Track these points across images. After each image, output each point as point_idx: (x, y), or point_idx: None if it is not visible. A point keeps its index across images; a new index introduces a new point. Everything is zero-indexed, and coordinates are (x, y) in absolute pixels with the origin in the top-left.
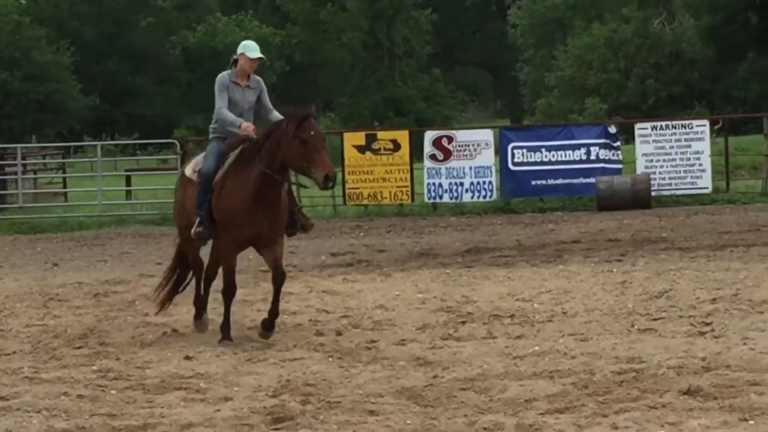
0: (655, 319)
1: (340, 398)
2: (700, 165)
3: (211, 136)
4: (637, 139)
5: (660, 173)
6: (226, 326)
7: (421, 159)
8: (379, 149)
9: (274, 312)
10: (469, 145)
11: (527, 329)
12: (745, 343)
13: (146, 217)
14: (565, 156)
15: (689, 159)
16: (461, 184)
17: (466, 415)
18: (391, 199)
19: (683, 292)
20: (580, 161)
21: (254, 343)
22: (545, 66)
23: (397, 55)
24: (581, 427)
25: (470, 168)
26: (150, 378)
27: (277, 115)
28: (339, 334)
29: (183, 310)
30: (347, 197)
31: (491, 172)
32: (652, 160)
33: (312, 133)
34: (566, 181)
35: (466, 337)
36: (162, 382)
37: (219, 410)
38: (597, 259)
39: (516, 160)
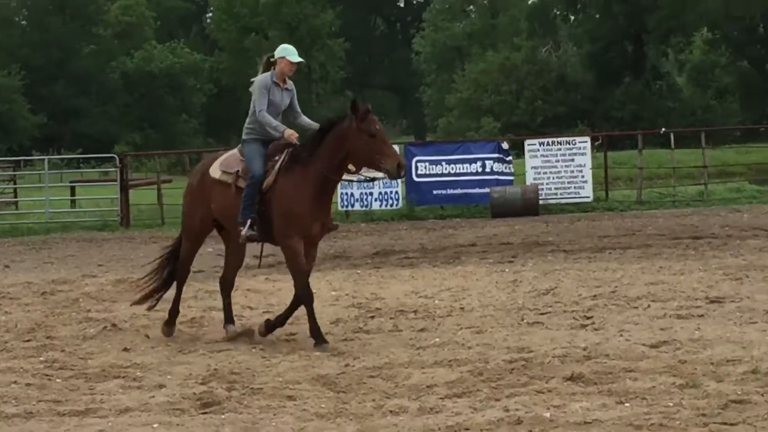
0: (542, 314)
1: (262, 385)
2: (582, 177)
3: (248, 136)
4: (527, 154)
5: (547, 184)
6: (316, 331)
7: None
8: None
9: (284, 318)
10: None
11: (429, 323)
12: (621, 335)
13: (89, 224)
14: (463, 169)
15: (573, 171)
16: (371, 194)
17: (374, 400)
18: None
19: (567, 289)
20: (477, 173)
21: (185, 336)
22: (446, 89)
23: (314, 79)
24: (476, 410)
25: (378, 181)
26: (92, 368)
27: (305, 120)
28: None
29: (121, 306)
30: None
31: (397, 183)
32: (540, 173)
33: (377, 126)
34: (464, 191)
35: (374, 330)
36: (102, 371)
37: (153, 396)
38: (491, 260)
39: (419, 172)
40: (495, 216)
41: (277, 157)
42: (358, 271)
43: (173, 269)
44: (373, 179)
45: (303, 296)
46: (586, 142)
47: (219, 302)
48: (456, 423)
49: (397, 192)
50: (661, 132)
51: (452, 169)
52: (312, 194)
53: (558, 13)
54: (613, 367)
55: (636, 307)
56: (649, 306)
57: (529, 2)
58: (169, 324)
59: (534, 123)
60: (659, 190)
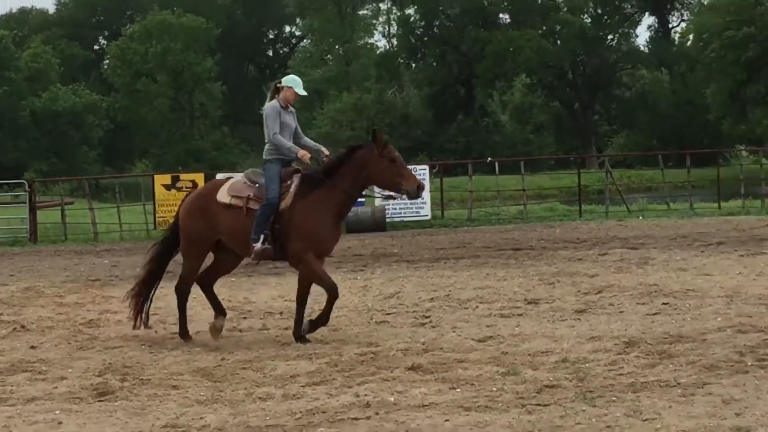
0: (388, 314)
1: (150, 376)
2: (422, 199)
3: (271, 156)
4: None
5: (393, 205)
6: (326, 319)
7: None
8: (182, 187)
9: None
10: None
11: (292, 322)
12: (454, 331)
13: (2, 240)
14: None
15: None
16: None
17: (245, 388)
18: None
19: (409, 293)
20: None
21: (84, 334)
22: (308, 125)
23: (196, 116)
24: (332, 396)
25: None
26: (2, 363)
27: (308, 141)
28: (150, 327)
29: (29, 310)
30: (157, 224)
31: None
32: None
33: (396, 153)
34: None
35: (246, 329)
36: (12, 366)
37: (56, 387)
38: (345, 269)
39: None
40: (349, 232)
41: (289, 182)
42: (233, 279)
43: (151, 286)
44: (392, 198)
45: (332, 293)
46: (425, 169)
47: (113, 305)
48: (314, 407)
49: None
50: (488, 161)
51: None
52: (333, 215)
53: (402, 61)
54: (447, 358)
55: (466, 308)
56: (477, 307)
57: (377, 52)
58: (184, 334)
59: None
60: (486, 210)
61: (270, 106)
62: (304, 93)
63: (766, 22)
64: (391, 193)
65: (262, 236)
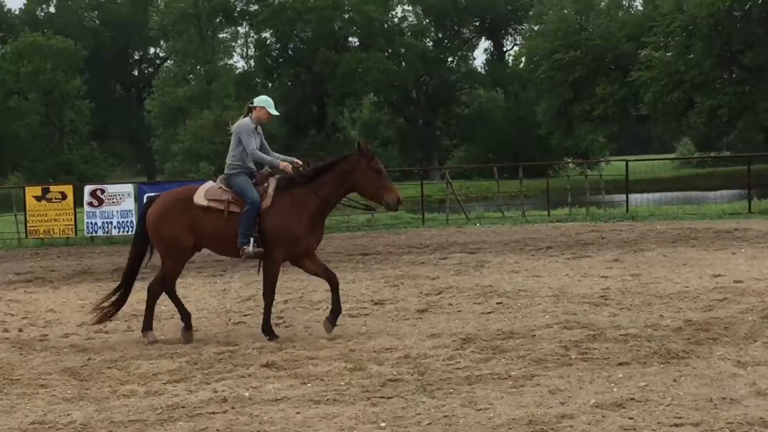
0: (245, 315)
1: (20, 376)
2: None
3: (234, 170)
4: None
5: None
6: (267, 325)
7: (82, 205)
8: (52, 198)
9: (337, 309)
10: (116, 195)
11: (156, 324)
12: (306, 330)
13: None
14: None
15: None
16: (111, 222)
17: (110, 386)
18: (60, 234)
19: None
20: None
21: None
22: (171, 140)
23: (66, 131)
24: (191, 392)
25: (117, 211)
26: None
27: (278, 155)
28: (20, 330)
29: None
30: (28, 232)
31: (132, 214)
32: None
33: (381, 165)
34: None
35: (112, 330)
36: None
37: None
38: (206, 273)
39: None
40: None
41: (266, 184)
42: (100, 284)
43: (126, 290)
44: (372, 209)
45: (269, 298)
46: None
47: None
48: (174, 402)
49: (131, 221)
50: None
51: None
52: (309, 216)
53: (259, 80)
54: (299, 355)
55: (318, 309)
56: (328, 308)
57: (236, 72)
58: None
59: None
60: (336, 218)
61: (244, 123)
62: (277, 113)
63: (590, 47)
64: (370, 205)
65: (252, 239)
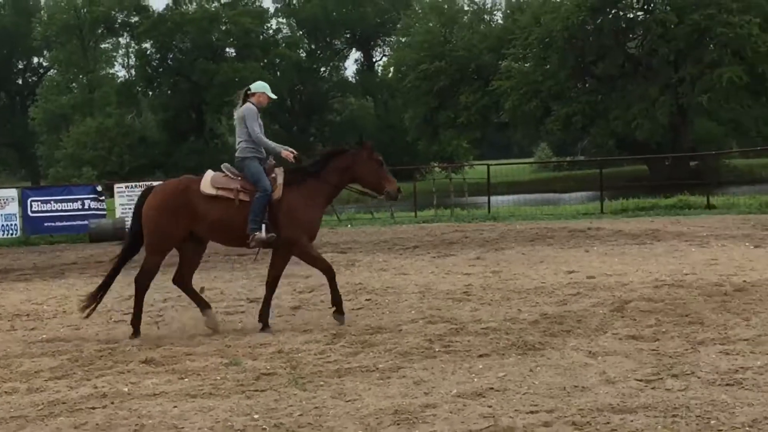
0: (126, 314)
1: None
2: None
3: (249, 154)
4: (116, 195)
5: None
6: (339, 303)
7: None
8: None
9: (337, 299)
10: (0, 200)
11: (38, 323)
12: (184, 328)
13: None
14: (68, 206)
15: None
16: None
17: None
18: None
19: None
20: (79, 210)
21: None
22: (55, 146)
23: None
24: (72, 388)
25: (1, 215)
26: None
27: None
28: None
29: None
30: None
31: (16, 217)
32: (126, 208)
33: (381, 157)
34: (69, 223)
35: None
36: None
37: None
38: (88, 274)
39: (34, 209)
40: (92, 241)
41: (273, 175)
42: None
43: (112, 279)
44: (375, 197)
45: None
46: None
47: None
48: (55, 399)
49: (15, 224)
50: None
51: (59, 206)
52: (322, 204)
53: (140, 89)
54: (177, 352)
55: (196, 307)
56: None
57: (118, 81)
58: (136, 333)
59: (123, 171)
60: None
61: (248, 108)
62: (275, 96)
63: (454, 58)
64: (372, 193)
65: (263, 226)
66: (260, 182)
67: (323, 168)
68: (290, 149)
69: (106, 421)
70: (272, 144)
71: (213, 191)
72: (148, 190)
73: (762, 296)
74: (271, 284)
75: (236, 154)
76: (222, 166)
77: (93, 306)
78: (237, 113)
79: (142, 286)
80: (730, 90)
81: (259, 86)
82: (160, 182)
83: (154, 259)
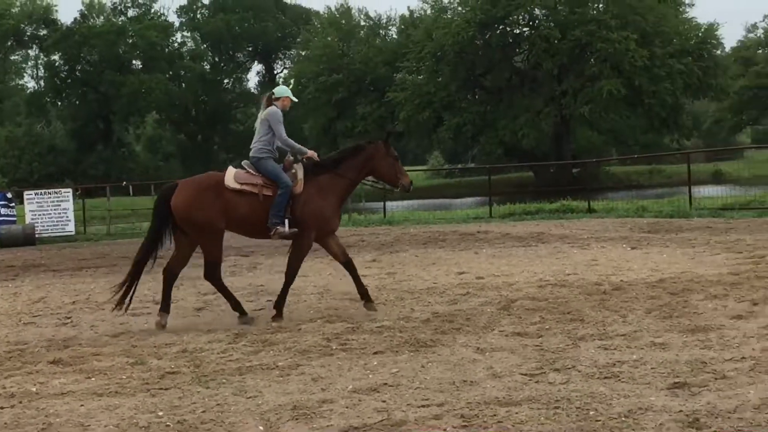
0: (35, 316)
1: None
2: (68, 217)
3: (265, 155)
4: (26, 202)
5: (42, 223)
6: (281, 305)
7: None
8: None
9: (363, 289)
10: None
11: None
12: (92, 329)
13: None
14: None
15: (60, 213)
16: None
17: None
18: None
19: (54, 298)
20: None
21: None
22: None
23: None
24: None
25: None
26: None
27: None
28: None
29: None
30: None
31: None
32: (36, 214)
33: (396, 153)
34: None
35: None
36: None
37: None
38: None
39: None
40: (3, 246)
41: (293, 170)
42: None
43: (138, 274)
44: (390, 190)
45: (291, 277)
46: (69, 192)
47: None
48: None
49: None
50: (124, 184)
51: None
52: (340, 198)
53: (49, 99)
54: (85, 352)
55: (103, 309)
56: (113, 309)
57: (27, 92)
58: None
59: (32, 178)
60: (123, 226)
61: (274, 111)
62: (296, 99)
63: (352, 71)
64: (388, 186)
65: (287, 221)
66: (281, 179)
67: (342, 163)
68: (311, 151)
69: (13, 420)
70: (298, 145)
71: (238, 186)
72: (169, 190)
73: (638, 294)
74: (290, 274)
75: (251, 154)
76: (243, 163)
77: (127, 301)
78: (261, 115)
79: (214, 280)
80: (610, 102)
81: (283, 91)
82: (180, 180)
83: (209, 251)
